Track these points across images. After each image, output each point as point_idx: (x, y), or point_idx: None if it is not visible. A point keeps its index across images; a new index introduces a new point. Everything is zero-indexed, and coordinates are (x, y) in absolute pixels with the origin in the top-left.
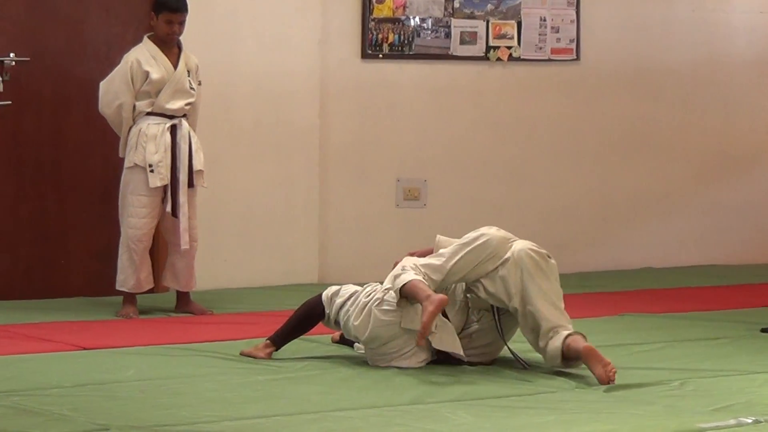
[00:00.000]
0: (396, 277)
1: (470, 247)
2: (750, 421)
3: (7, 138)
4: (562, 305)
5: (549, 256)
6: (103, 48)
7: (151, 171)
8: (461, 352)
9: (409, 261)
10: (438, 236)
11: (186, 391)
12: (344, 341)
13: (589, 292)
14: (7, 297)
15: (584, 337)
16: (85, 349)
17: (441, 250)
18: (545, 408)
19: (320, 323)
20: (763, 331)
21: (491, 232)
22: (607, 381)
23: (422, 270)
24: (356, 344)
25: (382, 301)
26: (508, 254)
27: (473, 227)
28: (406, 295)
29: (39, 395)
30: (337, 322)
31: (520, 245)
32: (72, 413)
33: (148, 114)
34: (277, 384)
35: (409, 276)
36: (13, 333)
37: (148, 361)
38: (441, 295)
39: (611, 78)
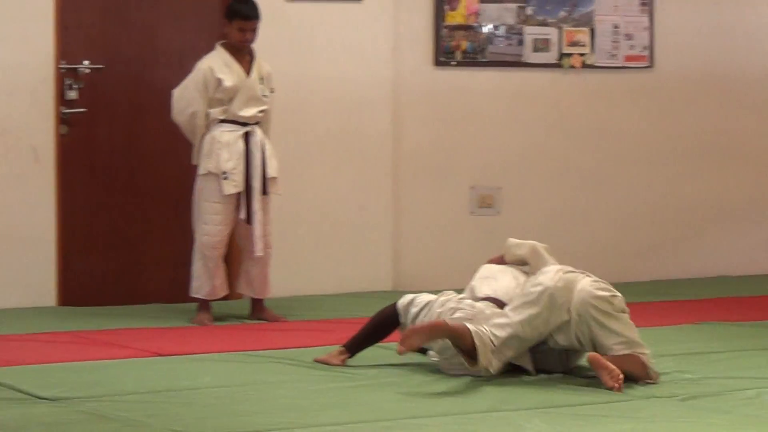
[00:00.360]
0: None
1: (534, 306)
2: None
3: (81, 145)
4: (636, 334)
5: (613, 295)
6: (176, 55)
7: (225, 178)
8: (531, 368)
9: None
10: (509, 239)
11: (261, 397)
12: (419, 349)
13: (665, 300)
14: (82, 303)
15: (645, 364)
16: (160, 355)
17: (507, 308)
18: (621, 416)
19: (396, 331)
20: None
21: (551, 282)
22: (612, 386)
23: (487, 329)
24: (430, 352)
25: (455, 310)
26: (573, 305)
27: (548, 235)
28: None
29: (115, 401)
30: (408, 324)
31: (581, 294)
32: (148, 419)
33: (222, 121)
34: (352, 391)
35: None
36: (89, 339)
37: (223, 367)
38: (438, 321)
39: (686, 85)
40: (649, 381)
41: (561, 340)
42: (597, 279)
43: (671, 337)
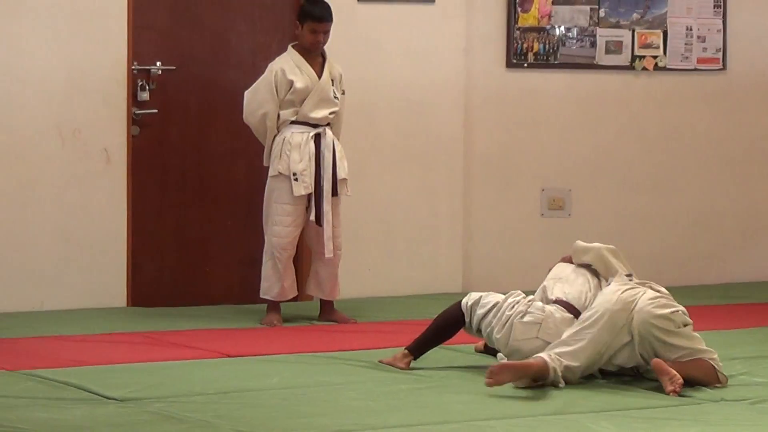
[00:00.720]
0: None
1: (593, 330)
2: None
3: (152, 146)
4: (700, 344)
5: (674, 311)
6: (248, 57)
7: (296, 179)
8: (597, 373)
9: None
10: (576, 242)
11: (329, 399)
12: (488, 350)
13: (733, 303)
14: (152, 304)
15: (714, 367)
16: (229, 356)
17: (567, 334)
18: (689, 419)
19: (461, 331)
20: None
21: (609, 305)
22: (669, 391)
23: (556, 356)
24: (499, 354)
25: (525, 313)
26: (633, 326)
27: (618, 237)
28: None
29: (183, 402)
30: (479, 330)
31: (640, 315)
32: (215, 420)
33: (292, 123)
34: (420, 393)
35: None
36: (157, 340)
37: (291, 369)
38: (529, 363)
39: (759, 88)
40: (718, 385)
41: (622, 360)
42: (657, 293)
43: (740, 340)
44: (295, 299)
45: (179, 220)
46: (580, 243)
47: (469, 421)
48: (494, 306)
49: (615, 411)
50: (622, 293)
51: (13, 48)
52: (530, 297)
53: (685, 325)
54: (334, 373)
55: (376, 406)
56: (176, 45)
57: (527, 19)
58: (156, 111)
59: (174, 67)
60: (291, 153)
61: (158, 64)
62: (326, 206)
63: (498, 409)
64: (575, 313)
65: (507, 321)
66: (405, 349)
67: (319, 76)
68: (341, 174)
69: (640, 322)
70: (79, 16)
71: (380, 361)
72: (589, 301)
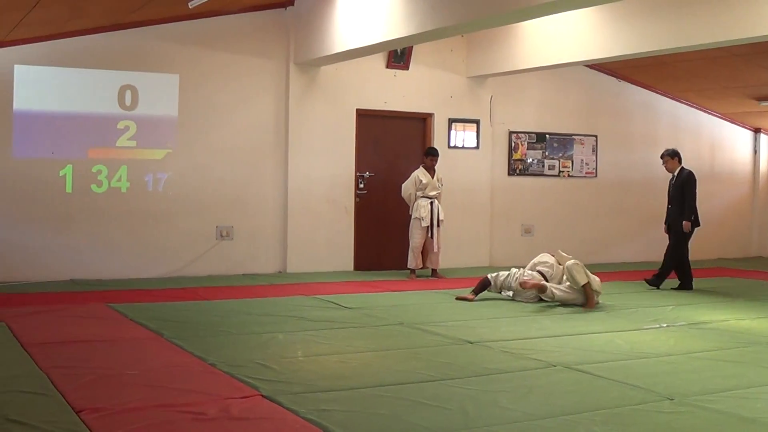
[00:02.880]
0: (522, 276)
1: (556, 271)
2: (665, 325)
3: (365, 205)
4: (581, 282)
5: (576, 263)
6: (405, 169)
7: (422, 219)
8: (552, 300)
9: (530, 272)
10: (557, 251)
11: (437, 309)
12: (499, 291)
13: (610, 271)
14: (363, 269)
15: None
16: (394, 291)
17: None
18: (581, 319)
19: (490, 287)
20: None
21: (568, 264)
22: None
23: (536, 273)
24: (504, 292)
25: (523, 274)
26: (565, 265)
27: (555, 244)
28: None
29: (379, 309)
30: (498, 286)
31: (570, 262)
32: (388, 316)
33: (421, 197)
34: (477, 308)
35: (525, 277)
36: (364, 284)
37: (421, 296)
38: (538, 283)
39: (612, 185)
40: (595, 307)
41: (563, 281)
42: (578, 262)
43: (611, 288)
44: (421, 268)
45: (377, 232)
46: (559, 251)
47: (489, 318)
48: (507, 275)
49: (550, 315)
50: (571, 260)
51: (306, 166)
52: (523, 269)
53: (587, 274)
54: (439, 298)
55: (459, 313)
56: (374, 163)
57: (517, 155)
58: (366, 192)
59: (373, 174)
60: (420, 209)
61: (367, 172)
62: (435, 231)
63: (501, 311)
64: (545, 278)
65: (514, 279)
66: (471, 291)
67: (432, 177)
68: (441, 217)
69: (570, 263)
70: (333, 150)
71: (457, 298)
72: (555, 271)
